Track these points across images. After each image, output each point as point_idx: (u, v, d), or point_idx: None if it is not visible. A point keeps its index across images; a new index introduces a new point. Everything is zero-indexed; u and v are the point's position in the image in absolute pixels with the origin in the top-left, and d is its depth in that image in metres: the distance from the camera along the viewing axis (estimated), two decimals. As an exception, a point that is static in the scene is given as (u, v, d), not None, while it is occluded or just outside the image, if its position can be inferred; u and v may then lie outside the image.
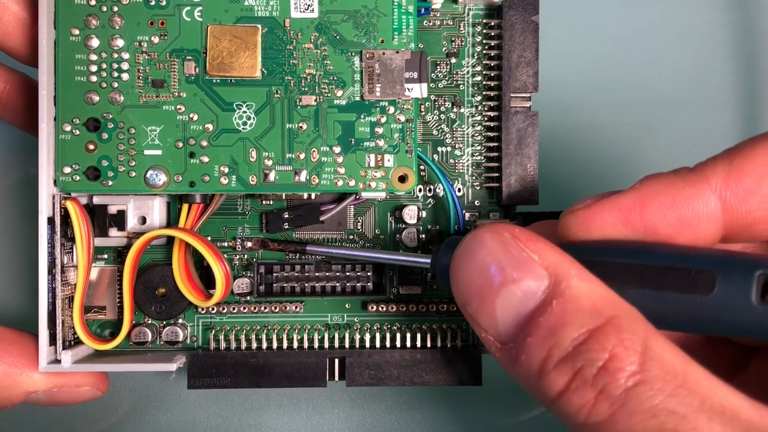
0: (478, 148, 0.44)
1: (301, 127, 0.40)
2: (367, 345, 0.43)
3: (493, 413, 0.51)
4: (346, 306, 0.44)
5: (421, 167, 0.44)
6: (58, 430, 0.50)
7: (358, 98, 0.40)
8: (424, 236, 0.44)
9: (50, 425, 0.50)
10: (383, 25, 0.40)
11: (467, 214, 0.44)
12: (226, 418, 0.50)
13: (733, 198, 0.31)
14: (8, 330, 0.40)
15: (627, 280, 0.31)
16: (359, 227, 0.44)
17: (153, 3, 0.40)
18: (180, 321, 0.44)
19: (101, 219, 0.42)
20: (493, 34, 0.43)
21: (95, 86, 0.40)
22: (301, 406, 0.50)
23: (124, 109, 0.40)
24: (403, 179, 0.41)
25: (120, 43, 0.40)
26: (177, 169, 0.40)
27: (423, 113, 0.44)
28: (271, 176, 0.40)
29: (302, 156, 0.40)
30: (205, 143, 0.40)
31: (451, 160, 0.44)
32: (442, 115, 0.44)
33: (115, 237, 0.42)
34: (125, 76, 0.40)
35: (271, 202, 0.44)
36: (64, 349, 0.40)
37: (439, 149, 0.44)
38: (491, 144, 0.44)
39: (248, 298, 0.44)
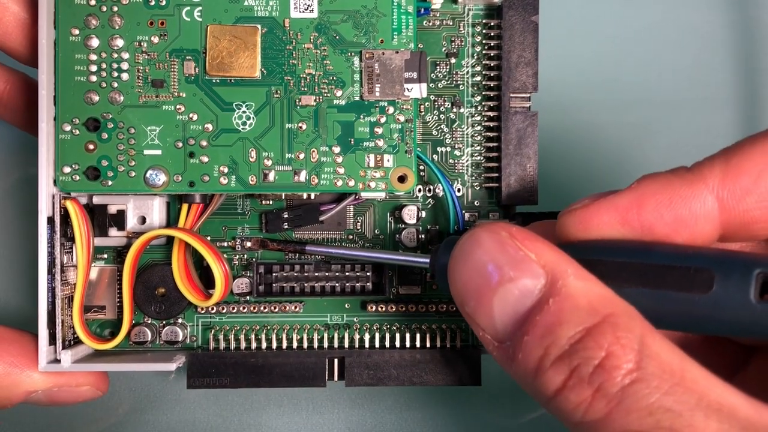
0: (478, 148, 0.44)
1: (300, 127, 0.40)
2: (367, 345, 0.43)
3: (493, 413, 0.51)
4: (346, 306, 0.44)
5: (421, 167, 0.44)
6: (58, 430, 0.50)
7: (357, 98, 0.40)
8: (423, 236, 0.44)
9: (50, 425, 0.50)
10: (383, 25, 0.40)
11: (467, 215, 0.44)
12: (225, 418, 0.50)
13: (730, 197, 0.31)
14: (8, 330, 0.41)
15: (625, 279, 0.31)
16: (359, 227, 0.44)
17: (153, 3, 0.40)
18: (179, 321, 0.44)
19: (101, 219, 0.42)
20: (492, 34, 0.44)
21: (95, 86, 0.40)
22: (301, 406, 0.50)
23: (123, 109, 0.40)
24: (402, 179, 0.41)
25: (120, 43, 0.40)
26: (177, 169, 0.40)
27: (422, 113, 0.44)
28: (271, 176, 0.40)
29: (302, 156, 0.40)
30: (204, 143, 0.40)
31: (451, 160, 0.44)
32: (441, 115, 0.44)
33: (115, 237, 0.42)
34: (125, 76, 0.40)
35: (271, 202, 0.44)
36: (63, 348, 0.40)
37: (439, 149, 0.44)
38: (491, 144, 0.44)
39: (248, 298, 0.44)
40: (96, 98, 0.40)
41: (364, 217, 0.44)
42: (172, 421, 0.50)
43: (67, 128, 0.40)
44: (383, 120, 0.40)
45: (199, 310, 0.44)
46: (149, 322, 0.43)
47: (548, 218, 0.39)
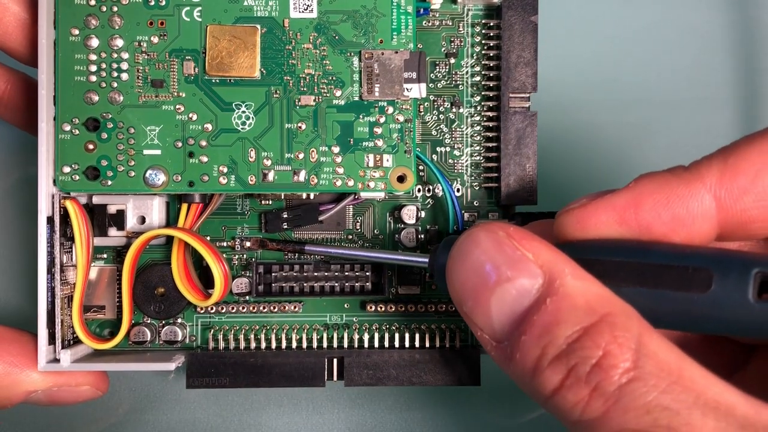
0: (477, 148, 0.44)
1: (300, 127, 0.40)
2: (366, 345, 0.43)
3: (492, 413, 0.51)
4: (345, 306, 0.44)
5: (420, 167, 0.44)
6: (58, 430, 0.50)
7: (357, 98, 0.40)
8: (423, 236, 0.44)
9: (50, 425, 0.50)
10: (382, 26, 0.40)
11: (466, 214, 0.44)
12: (225, 417, 0.50)
13: (727, 196, 0.31)
14: (8, 329, 0.41)
15: (623, 278, 0.31)
16: (358, 227, 0.44)
17: (152, 3, 0.40)
18: (179, 320, 0.44)
19: (100, 218, 0.42)
20: (492, 34, 0.44)
21: (95, 86, 0.40)
22: (301, 406, 0.50)
23: (123, 109, 0.40)
24: (401, 179, 0.41)
25: (119, 43, 0.40)
26: (176, 169, 0.40)
27: (422, 113, 0.44)
28: (270, 176, 0.40)
29: (301, 156, 0.40)
30: (204, 143, 0.40)
31: (450, 160, 0.44)
32: (441, 115, 0.44)
33: (115, 236, 0.42)
34: (125, 76, 0.40)
35: (270, 202, 0.44)
36: (63, 348, 0.40)
37: (438, 149, 0.44)
38: (490, 144, 0.44)
39: (247, 297, 0.44)
40: (96, 98, 0.40)
41: (363, 217, 0.44)
42: (172, 421, 0.50)
43: (67, 128, 0.40)
44: (382, 120, 0.40)
45: (198, 309, 0.44)
46: (149, 321, 0.44)
47: (547, 218, 0.39)
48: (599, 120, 0.52)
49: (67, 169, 0.40)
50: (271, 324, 0.44)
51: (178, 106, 0.40)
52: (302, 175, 0.40)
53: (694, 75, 0.53)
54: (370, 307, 0.43)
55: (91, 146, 0.40)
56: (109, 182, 0.40)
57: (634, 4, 0.53)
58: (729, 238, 0.33)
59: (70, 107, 0.40)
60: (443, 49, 0.44)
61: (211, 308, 0.44)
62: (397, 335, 0.43)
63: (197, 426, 0.50)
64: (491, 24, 0.44)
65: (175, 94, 0.40)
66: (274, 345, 0.43)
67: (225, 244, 0.44)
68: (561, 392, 0.29)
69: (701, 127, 0.53)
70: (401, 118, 0.41)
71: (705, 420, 0.26)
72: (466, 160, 0.44)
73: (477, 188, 0.44)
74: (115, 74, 0.40)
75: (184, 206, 0.42)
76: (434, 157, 0.44)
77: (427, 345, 0.43)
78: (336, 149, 0.40)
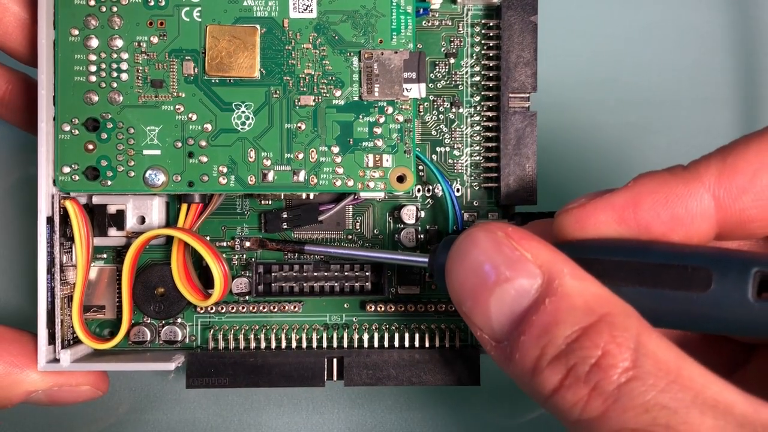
0: (477, 148, 0.44)
1: (299, 127, 0.40)
2: (366, 345, 0.43)
3: (492, 413, 0.51)
4: (345, 306, 0.44)
5: (420, 167, 0.44)
6: (58, 430, 0.50)
7: (356, 98, 0.40)
8: (422, 236, 0.44)
9: (50, 425, 0.50)
10: (382, 26, 0.40)
11: (466, 215, 0.44)
12: (225, 417, 0.50)
13: (726, 196, 0.31)
14: (8, 329, 0.41)
15: (623, 277, 0.31)
16: (358, 227, 0.44)
17: (152, 3, 0.40)
18: (179, 320, 0.44)
19: (100, 218, 0.42)
20: (491, 34, 0.44)
21: (94, 86, 0.40)
22: (301, 406, 0.50)
23: (123, 109, 0.40)
24: (401, 179, 0.41)
25: (119, 43, 0.40)
26: (176, 169, 0.40)
27: (422, 113, 0.44)
28: (270, 176, 0.40)
29: (301, 156, 0.40)
30: (203, 143, 0.40)
31: (450, 160, 0.44)
32: (440, 115, 0.44)
33: (114, 237, 0.42)
34: (124, 76, 0.40)
35: (270, 202, 0.44)
36: (63, 348, 0.40)
37: (438, 149, 0.44)
38: (490, 144, 0.44)
39: (247, 297, 0.44)
40: (95, 98, 0.40)
41: (363, 217, 0.44)
42: (172, 421, 0.50)
43: (67, 128, 0.40)
44: (382, 120, 0.40)
45: (198, 309, 0.44)
46: (148, 321, 0.44)
47: (547, 218, 0.39)
48: (599, 120, 0.52)
49: (66, 169, 0.40)
50: (271, 324, 0.44)
51: (177, 107, 0.40)
52: (302, 175, 0.40)
53: (694, 75, 0.53)
54: (370, 307, 0.43)
55: (90, 146, 0.40)
56: (109, 182, 0.40)
57: (634, 4, 0.53)
58: (728, 238, 0.33)
59: (70, 107, 0.40)
60: (443, 49, 0.44)
61: (211, 308, 0.44)
62: (396, 335, 0.43)
63: (197, 426, 0.50)
64: (491, 24, 0.44)
65: (175, 94, 0.40)
66: (273, 345, 0.43)
67: (225, 244, 0.44)
68: (560, 392, 0.29)
69: (701, 127, 0.53)
70: (401, 118, 0.41)
71: (703, 418, 0.26)
72: (466, 160, 0.44)
73: (477, 188, 0.44)
74: (115, 74, 0.40)
75: (184, 206, 0.42)
76: (434, 157, 0.44)
77: (427, 345, 0.43)
78: (336, 149, 0.40)
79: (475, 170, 0.44)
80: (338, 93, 0.40)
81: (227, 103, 0.40)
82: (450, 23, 0.44)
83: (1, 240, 0.50)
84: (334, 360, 0.42)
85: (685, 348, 0.29)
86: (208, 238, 0.43)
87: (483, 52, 0.44)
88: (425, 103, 0.44)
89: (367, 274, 0.43)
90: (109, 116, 0.40)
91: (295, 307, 0.43)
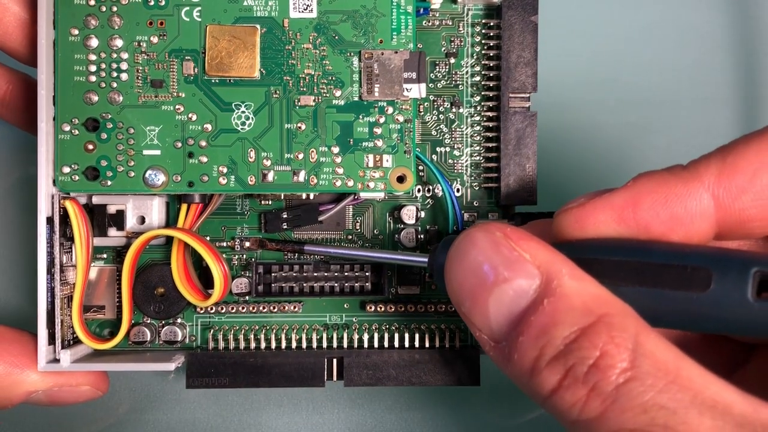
0: (477, 148, 0.44)
1: (299, 128, 0.40)
2: (366, 345, 0.43)
3: (492, 413, 0.51)
4: (345, 306, 0.44)
5: (420, 167, 0.44)
6: (59, 430, 0.50)
7: (356, 98, 0.40)
8: (422, 236, 0.44)
9: (50, 425, 0.50)
10: (382, 25, 0.40)
11: (466, 215, 0.44)
12: (225, 417, 0.50)
13: (725, 195, 0.31)
14: (8, 329, 0.41)
15: (622, 277, 0.31)
16: (358, 227, 0.44)
17: (152, 3, 0.40)
18: (179, 321, 0.44)
19: (100, 219, 0.42)
20: (492, 34, 0.44)
21: (94, 86, 0.40)
22: (301, 406, 0.50)
23: (123, 109, 0.40)
24: (401, 179, 0.41)
25: (119, 43, 0.40)
26: (176, 169, 0.40)
27: (422, 113, 0.44)
28: (270, 176, 0.40)
29: (301, 156, 0.40)
30: (203, 143, 0.40)
31: (450, 161, 0.44)
32: (440, 116, 0.44)
33: (114, 237, 0.42)
34: (124, 76, 0.40)
35: (270, 202, 0.44)
36: (63, 348, 0.40)
37: (438, 149, 0.44)
38: (490, 144, 0.44)
39: (247, 297, 0.44)
40: (95, 98, 0.40)
41: (363, 218, 0.44)
42: (172, 421, 0.50)
43: (67, 128, 0.40)
44: (382, 120, 0.40)
45: (198, 310, 0.44)
46: (148, 321, 0.44)
47: (546, 218, 0.39)
48: (599, 120, 0.52)
49: (66, 170, 0.40)
50: (271, 324, 0.44)
51: (177, 107, 0.40)
52: (302, 176, 0.40)
53: (695, 75, 0.53)
54: (370, 307, 0.43)
55: (90, 146, 0.40)
56: (109, 182, 0.40)
57: (634, 4, 0.53)
58: (727, 237, 0.33)
59: (70, 107, 0.40)
60: (443, 49, 0.44)
61: (211, 308, 0.44)
62: (396, 335, 0.43)
63: (197, 426, 0.50)
64: (491, 24, 0.44)
65: (175, 94, 0.40)
66: (273, 345, 0.43)
67: (225, 244, 0.44)
68: (559, 392, 0.29)
69: (701, 127, 0.53)
70: (401, 119, 0.41)
71: (702, 419, 0.26)
72: (466, 160, 0.44)
73: (477, 188, 0.44)
74: (115, 74, 0.40)
75: (184, 206, 0.42)
76: (434, 157, 0.44)
77: (427, 345, 0.43)
78: (336, 149, 0.40)
79: (475, 170, 0.44)
80: (338, 93, 0.40)
81: (227, 103, 0.40)
82: (450, 23, 0.44)
83: (1, 240, 0.50)
84: (334, 360, 0.42)
85: (685, 348, 0.29)
86: (208, 238, 0.43)
87: (483, 52, 0.44)
88: (425, 103, 0.44)
89: (367, 274, 0.43)
90: (109, 116, 0.40)
91: (295, 308, 0.43)
